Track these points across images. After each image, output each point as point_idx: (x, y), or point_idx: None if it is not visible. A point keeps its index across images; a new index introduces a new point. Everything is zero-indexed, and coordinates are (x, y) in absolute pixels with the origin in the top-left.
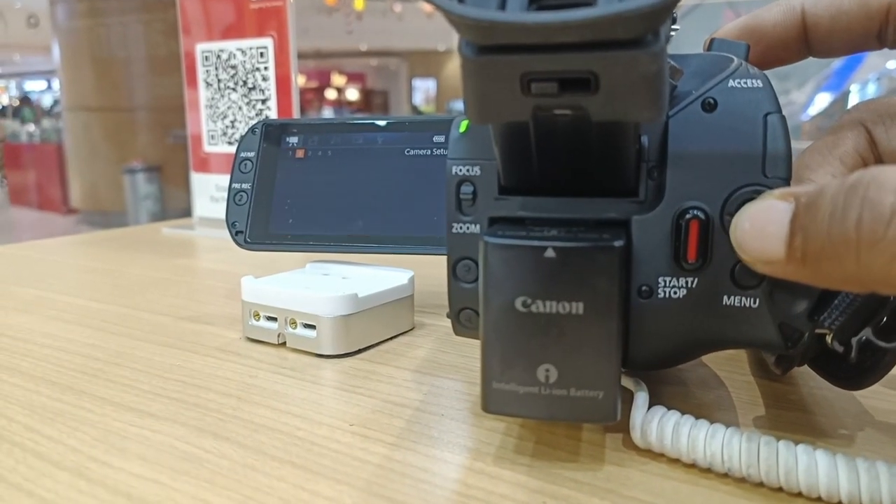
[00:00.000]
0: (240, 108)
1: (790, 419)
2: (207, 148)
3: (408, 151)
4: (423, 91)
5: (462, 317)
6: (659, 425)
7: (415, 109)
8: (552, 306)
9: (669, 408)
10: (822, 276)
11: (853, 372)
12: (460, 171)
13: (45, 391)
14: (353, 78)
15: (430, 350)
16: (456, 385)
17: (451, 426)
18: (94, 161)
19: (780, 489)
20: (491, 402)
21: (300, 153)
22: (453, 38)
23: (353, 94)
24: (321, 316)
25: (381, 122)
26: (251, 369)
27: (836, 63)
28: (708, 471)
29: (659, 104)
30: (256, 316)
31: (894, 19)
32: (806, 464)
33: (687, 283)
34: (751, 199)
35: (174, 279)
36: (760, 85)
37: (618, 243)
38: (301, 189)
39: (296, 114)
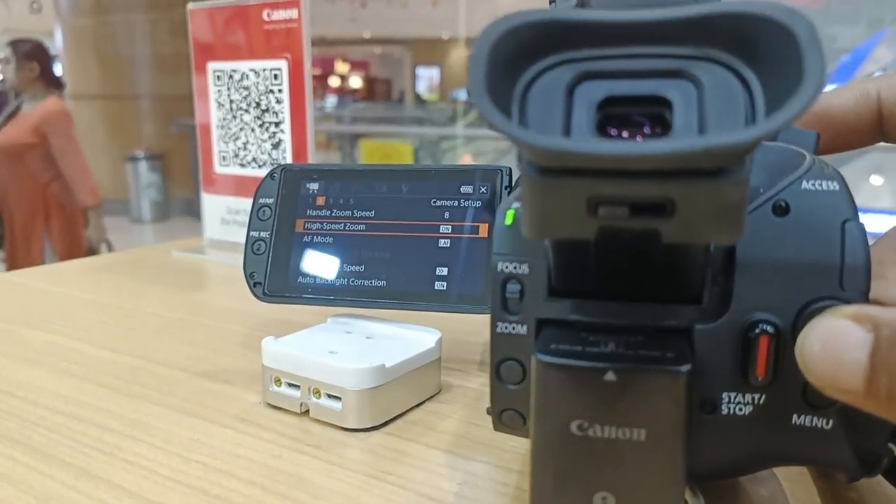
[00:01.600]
0: (252, 129)
1: None
2: (219, 169)
3: (434, 202)
4: (427, 79)
5: (504, 417)
6: None
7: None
8: (611, 432)
9: None
10: None
11: None
12: (507, 268)
13: (59, 475)
14: (357, 66)
15: (459, 421)
16: (490, 472)
17: None
18: (95, 149)
19: None
20: None
21: (321, 200)
22: (457, 26)
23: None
24: (347, 388)
25: (406, 171)
26: (274, 446)
27: (843, 56)
28: None
29: (738, 230)
30: (278, 382)
31: None
32: None
33: (753, 399)
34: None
35: (188, 320)
36: (837, 188)
37: (685, 368)
38: (322, 239)
39: (311, 139)
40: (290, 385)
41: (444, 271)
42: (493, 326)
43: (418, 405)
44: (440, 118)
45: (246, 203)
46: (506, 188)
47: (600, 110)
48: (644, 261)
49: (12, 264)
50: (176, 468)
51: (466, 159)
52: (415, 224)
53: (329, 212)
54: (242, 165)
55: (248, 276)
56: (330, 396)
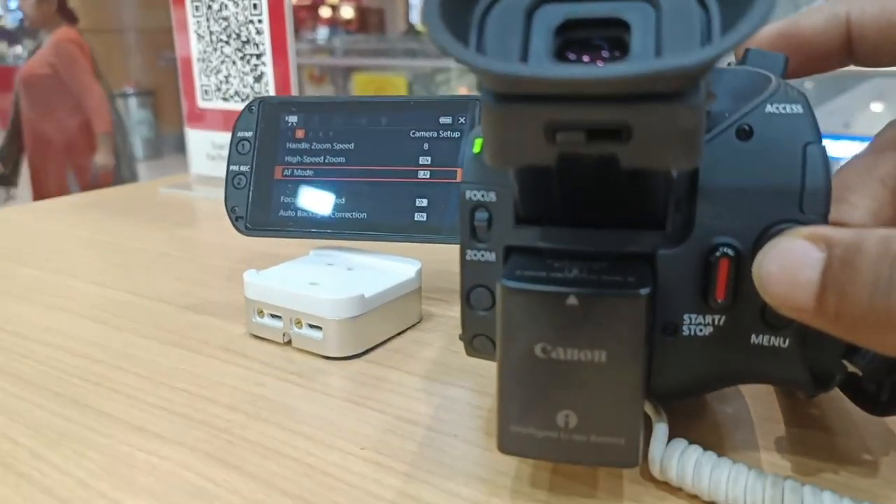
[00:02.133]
0: (234, 62)
1: (811, 441)
2: (202, 104)
3: (413, 134)
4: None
5: (475, 343)
6: (680, 462)
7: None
8: (573, 354)
9: (689, 439)
10: (857, 338)
11: (882, 399)
12: (475, 196)
13: (49, 404)
14: None
15: (438, 349)
16: (467, 396)
17: (465, 451)
18: None
19: None
20: (507, 444)
21: (300, 133)
22: None
23: (347, 12)
24: (327, 318)
25: (384, 102)
26: (257, 374)
27: None
28: None
29: (695, 155)
30: (261, 313)
31: None
32: None
33: (714, 320)
34: None
35: (175, 255)
36: (801, 111)
37: (644, 291)
38: (302, 173)
39: (293, 72)
40: (273, 316)
41: (424, 202)
42: (463, 254)
43: (399, 334)
44: (434, 50)
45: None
46: None
47: (559, 35)
48: (607, 188)
49: (38, 194)
50: (161, 396)
51: (462, 91)
52: (394, 156)
53: (309, 145)
54: (225, 99)
55: (230, 210)
56: (311, 326)
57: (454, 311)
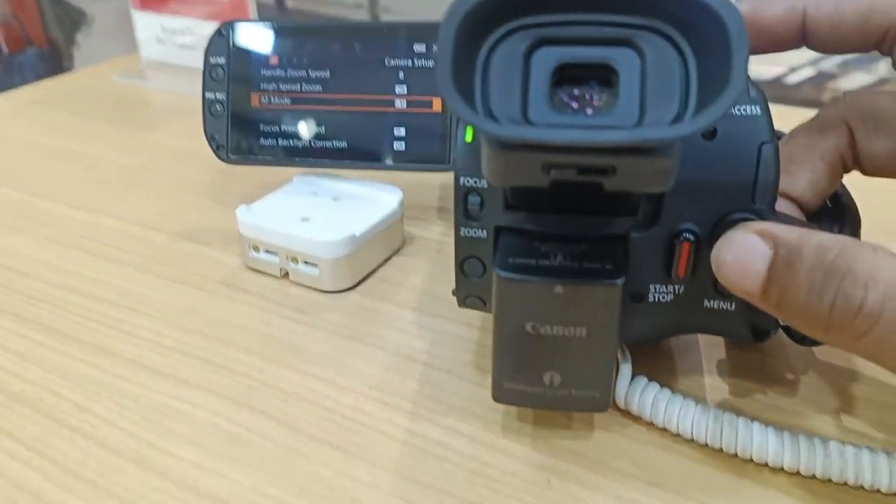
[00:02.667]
0: None
1: (746, 362)
2: None
3: (388, 62)
4: None
5: (468, 301)
6: (640, 398)
7: None
8: (558, 330)
9: (647, 366)
10: (793, 324)
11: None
12: (468, 182)
13: (77, 353)
14: None
15: (424, 277)
16: (455, 329)
17: (459, 387)
18: None
19: (735, 455)
20: (501, 396)
21: (274, 60)
22: None
23: None
24: (322, 257)
25: (357, 28)
26: (262, 312)
27: None
28: (678, 435)
29: (668, 183)
30: (256, 248)
31: (891, 39)
32: (760, 442)
33: (675, 290)
34: (738, 223)
35: (149, 167)
36: (759, 112)
37: (620, 281)
38: (280, 101)
39: None
40: (269, 252)
41: (402, 132)
42: (457, 230)
43: (386, 261)
44: None
45: (182, 22)
46: None
47: (555, 74)
48: (589, 193)
49: None
50: (178, 339)
51: None
52: (371, 85)
53: (283, 71)
54: None
55: (210, 138)
56: (307, 263)
57: (432, 232)
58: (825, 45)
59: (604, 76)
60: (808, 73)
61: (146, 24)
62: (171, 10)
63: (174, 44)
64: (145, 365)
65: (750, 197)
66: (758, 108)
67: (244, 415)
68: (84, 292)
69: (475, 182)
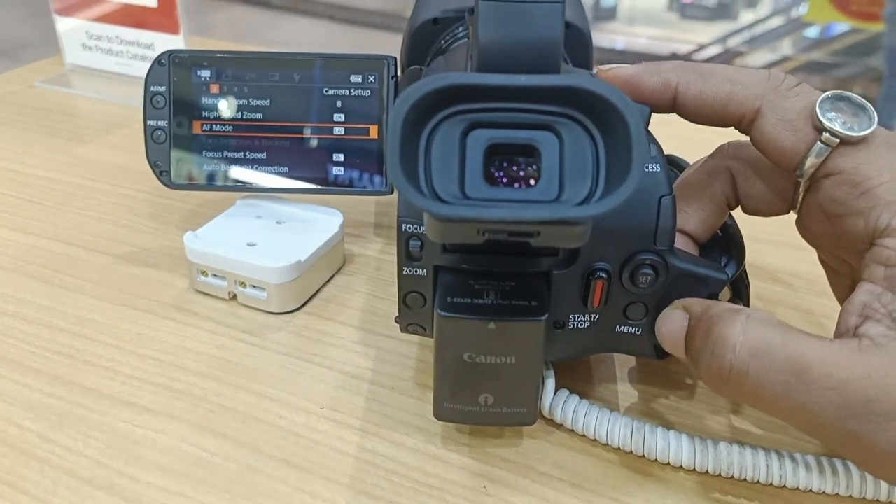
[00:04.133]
0: None
1: (652, 368)
2: None
3: (326, 91)
4: None
5: (409, 328)
6: (562, 409)
7: None
8: (492, 359)
9: (567, 377)
10: (702, 379)
11: None
12: (409, 228)
13: (34, 383)
14: None
15: (365, 296)
16: (396, 346)
17: (402, 402)
18: None
19: (643, 456)
20: (442, 414)
21: (215, 88)
22: None
23: None
24: (269, 282)
25: (295, 59)
26: (213, 336)
27: None
28: (596, 440)
29: (584, 240)
30: (205, 273)
31: (746, 123)
32: (662, 445)
33: (590, 318)
34: (643, 262)
35: (86, 186)
36: (658, 169)
37: (544, 317)
38: (222, 128)
39: None
40: (217, 276)
41: (341, 157)
42: (400, 269)
43: (328, 280)
44: None
45: (109, 30)
46: (392, 77)
47: (487, 153)
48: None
49: None
50: (135, 366)
51: None
52: (310, 113)
53: (224, 100)
54: None
55: (153, 164)
56: (254, 287)
57: (370, 250)
58: (692, 118)
59: (529, 154)
60: (716, 49)
61: (70, 31)
62: (95, 17)
63: (100, 49)
64: (105, 393)
65: (652, 241)
66: (657, 165)
67: (206, 438)
68: (34, 320)
69: (416, 228)
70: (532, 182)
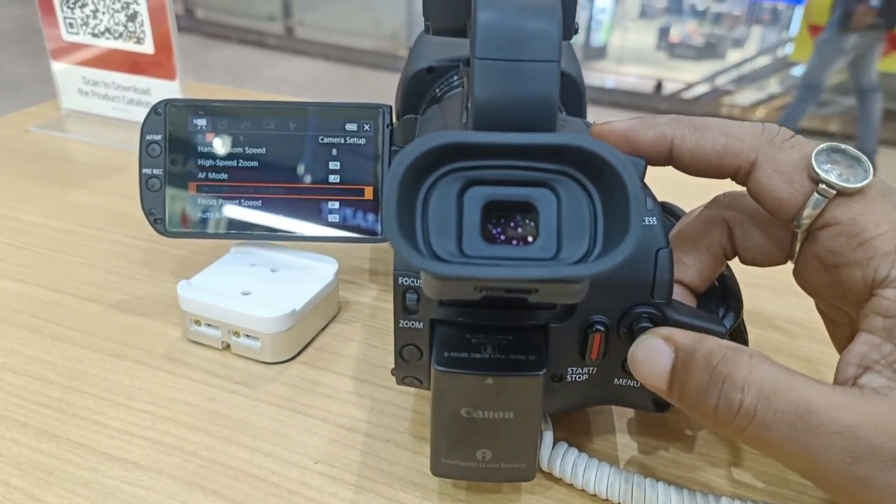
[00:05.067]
0: None
1: (651, 419)
2: (67, 37)
3: (322, 140)
4: None
5: (406, 381)
6: (561, 463)
7: None
8: (489, 414)
9: (565, 429)
10: (689, 414)
11: None
12: (406, 281)
13: (21, 438)
14: None
15: (359, 345)
16: (391, 397)
17: (398, 455)
18: None
19: None
20: (439, 470)
21: (210, 137)
22: None
23: None
24: (264, 332)
25: (291, 108)
26: (205, 387)
27: None
28: (595, 496)
29: (581, 297)
30: (198, 322)
31: (743, 174)
32: (663, 500)
33: (588, 371)
34: (641, 315)
35: (78, 232)
36: (655, 222)
37: (542, 372)
38: (217, 176)
39: (170, 10)
40: (210, 326)
41: (336, 205)
42: (396, 322)
43: (323, 329)
44: None
45: (105, 75)
46: (387, 126)
47: (484, 210)
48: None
49: None
50: (125, 419)
51: None
52: (305, 161)
53: (221, 148)
54: (95, 35)
55: (147, 212)
56: (248, 336)
57: (365, 297)
58: (687, 171)
59: (526, 211)
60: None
61: (67, 75)
62: (92, 61)
63: (96, 94)
64: (94, 448)
65: (650, 294)
66: (654, 218)
67: (197, 496)
68: (22, 371)
69: (412, 282)
70: (529, 239)
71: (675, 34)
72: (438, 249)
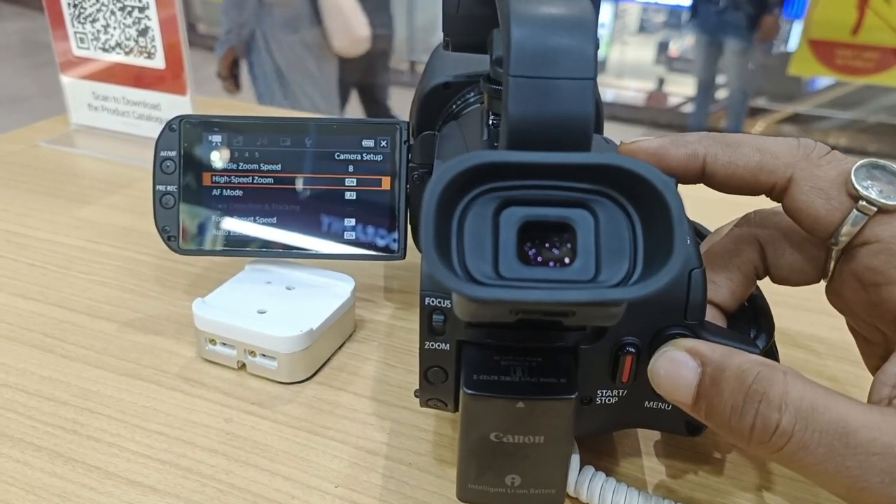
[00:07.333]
0: (112, 12)
1: (679, 443)
2: (77, 52)
3: (338, 156)
4: None
5: (430, 403)
6: (589, 488)
7: None
8: (519, 438)
9: (591, 451)
10: (718, 431)
11: None
12: (433, 302)
13: (36, 462)
14: None
15: (377, 365)
16: (411, 418)
17: (420, 479)
18: None
19: None
20: (465, 496)
21: (225, 153)
22: None
23: None
24: (280, 351)
25: (307, 125)
26: (222, 408)
27: None
28: None
29: (617, 319)
30: (213, 342)
31: (779, 191)
32: None
33: (619, 393)
34: (673, 337)
35: (89, 248)
36: (689, 242)
37: (573, 395)
38: (231, 192)
39: (182, 31)
40: (225, 345)
41: (352, 222)
42: (422, 344)
43: (339, 348)
44: None
45: (115, 90)
46: (404, 142)
47: (521, 231)
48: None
49: None
50: (141, 442)
51: None
52: (321, 177)
53: (235, 165)
54: (105, 50)
55: (161, 230)
56: (265, 356)
57: (381, 315)
58: (721, 188)
59: (563, 231)
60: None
61: (76, 89)
62: (102, 75)
63: (106, 109)
64: (110, 472)
65: (683, 315)
66: (687, 238)
67: None
68: (35, 392)
69: (439, 302)
70: (567, 261)
71: (674, 48)
72: (474, 271)
